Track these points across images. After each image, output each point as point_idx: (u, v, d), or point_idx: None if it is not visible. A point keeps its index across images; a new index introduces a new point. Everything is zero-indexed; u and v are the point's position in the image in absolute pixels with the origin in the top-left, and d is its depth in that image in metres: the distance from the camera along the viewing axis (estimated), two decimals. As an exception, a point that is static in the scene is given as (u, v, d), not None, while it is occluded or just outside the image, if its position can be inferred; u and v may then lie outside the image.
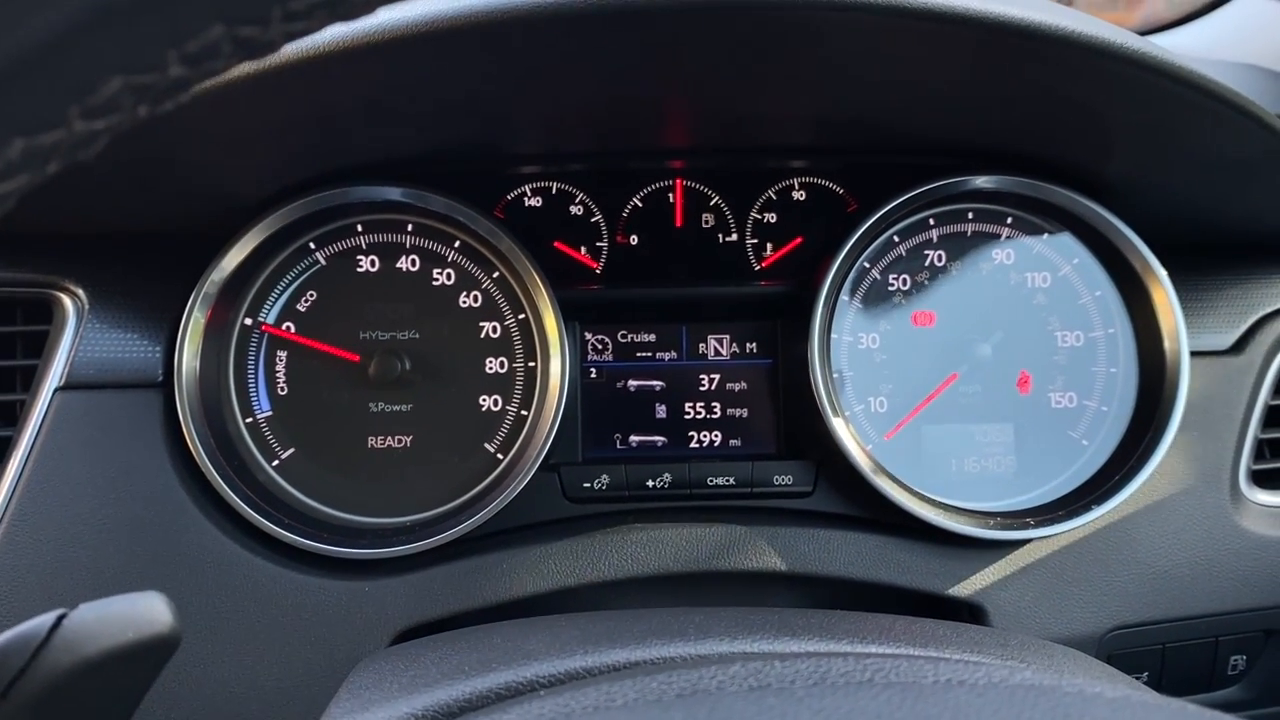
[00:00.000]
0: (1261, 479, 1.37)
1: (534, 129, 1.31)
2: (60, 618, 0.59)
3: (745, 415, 1.40)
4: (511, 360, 1.35)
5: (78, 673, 0.58)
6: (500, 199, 1.39)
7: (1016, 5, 0.94)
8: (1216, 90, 1.04)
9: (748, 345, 1.41)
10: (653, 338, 1.41)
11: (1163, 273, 1.31)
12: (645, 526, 1.28)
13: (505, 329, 1.35)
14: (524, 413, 1.34)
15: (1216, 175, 1.27)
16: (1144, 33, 2.07)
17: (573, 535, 1.27)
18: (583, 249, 1.39)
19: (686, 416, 1.40)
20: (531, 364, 1.34)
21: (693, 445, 1.39)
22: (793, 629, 0.78)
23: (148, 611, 0.61)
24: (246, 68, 0.93)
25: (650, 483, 1.33)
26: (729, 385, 1.41)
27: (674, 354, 1.41)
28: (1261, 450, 1.38)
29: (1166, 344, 1.32)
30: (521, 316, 1.35)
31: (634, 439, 1.39)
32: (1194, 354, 1.33)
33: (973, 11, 0.92)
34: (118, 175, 1.13)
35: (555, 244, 1.39)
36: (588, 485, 1.33)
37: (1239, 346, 1.38)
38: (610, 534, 1.27)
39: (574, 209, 1.40)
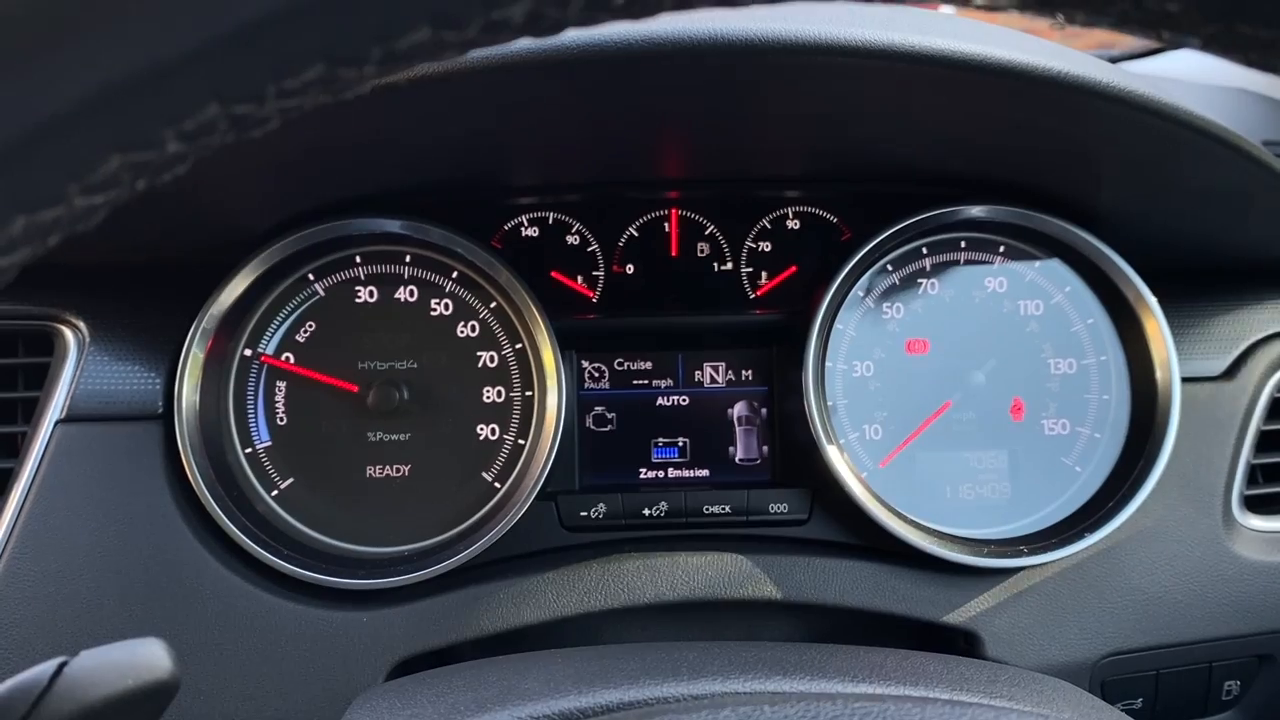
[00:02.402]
0: (1254, 504, 1.38)
1: (531, 162, 1.32)
2: (61, 665, 0.60)
3: (741, 443, 1.41)
4: (509, 389, 1.36)
5: (78, 720, 0.59)
6: (497, 229, 1.40)
7: (999, 45, 0.96)
8: (1201, 125, 1.06)
9: (743, 373, 1.42)
10: (649, 366, 1.42)
11: (1153, 301, 1.32)
12: (641, 555, 1.29)
13: (502, 358, 1.36)
14: (521, 442, 1.35)
15: (1206, 205, 1.28)
16: (1141, 53, 2.09)
17: (570, 564, 1.28)
18: (579, 278, 1.41)
19: (682, 444, 1.41)
20: (529, 393, 1.35)
21: (688, 473, 1.40)
22: (784, 667, 0.79)
23: (148, 658, 0.62)
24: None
25: (647, 511, 1.34)
26: (725, 413, 1.42)
27: (670, 382, 1.42)
28: (1254, 475, 1.39)
29: (1158, 371, 1.33)
30: (519, 346, 1.36)
31: (630, 467, 1.40)
32: (1186, 380, 1.33)
33: (955, 53, 0.93)
34: (118, 210, 1.14)
35: (552, 274, 1.40)
36: (585, 514, 1.34)
37: (1231, 372, 1.39)
38: (607, 563, 1.28)
39: (570, 239, 1.41)
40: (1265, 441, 1.39)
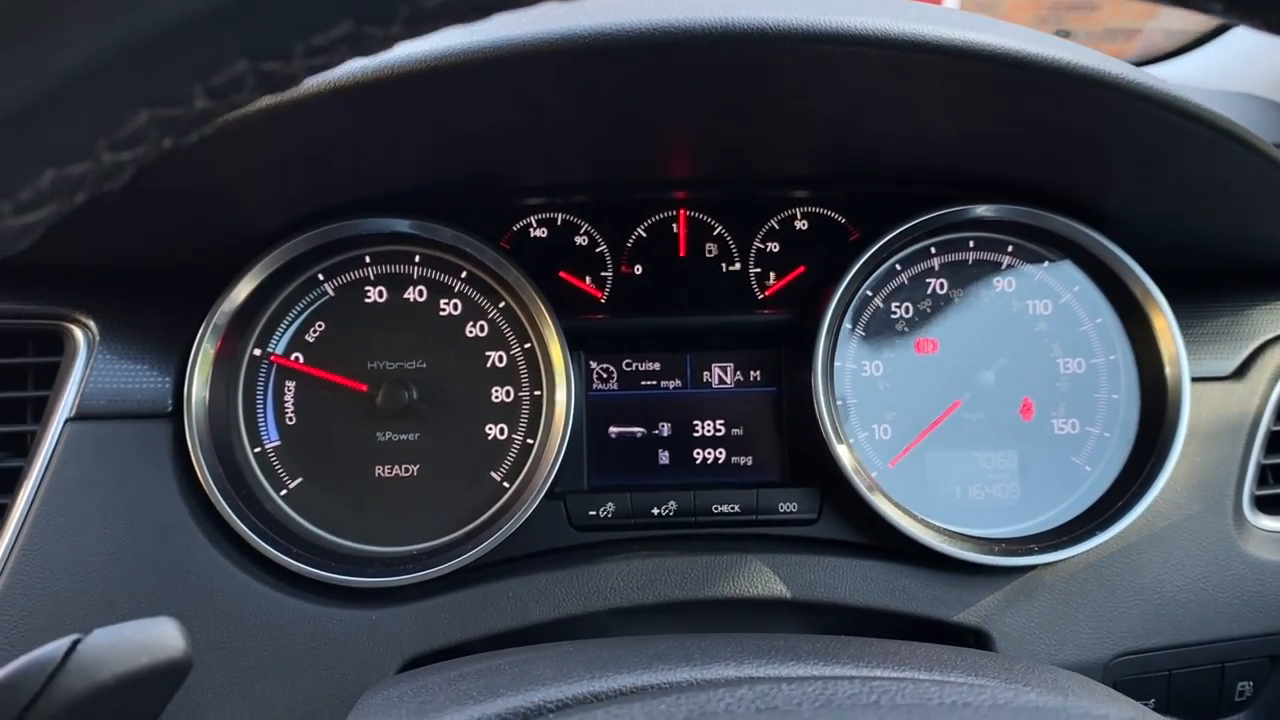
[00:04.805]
0: (1265, 504, 1.37)
1: (540, 163, 1.33)
2: (75, 642, 0.60)
3: (750, 443, 1.41)
4: (517, 389, 1.36)
5: (92, 697, 0.59)
6: (506, 230, 1.40)
7: (1012, 37, 0.96)
8: (1212, 119, 1.06)
9: (752, 373, 1.42)
10: (657, 366, 1.42)
11: (1163, 300, 1.32)
12: (650, 554, 1.29)
13: (511, 358, 1.36)
14: (530, 441, 1.35)
15: (1216, 204, 1.28)
16: (1142, 63, 2.10)
17: (578, 563, 1.27)
18: (588, 279, 1.41)
19: (691, 445, 1.41)
20: (537, 393, 1.35)
21: (698, 474, 1.40)
22: (798, 654, 0.79)
23: (161, 637, 0.62)
24: (256, 103, 0.95)
25: (656, 510, 1.34)
26: (733, 413, 1.42)
27: (678, 382, 1.42)
28: (1265, 476, 1.38)
29: (1168, 370, 1.32)
30: (527, 346, 1.36)
31: (639, 467, 1.40)
32: (1195, 380, 1.33)
33: (968, 44, 0.93)
34: (129, 209, 1.15)
35: (561, 274, 1.40)
36: (593, 513, 1.34)
37: (1240, 372, 1.39)
38: (616, 562, 1.27)
39: (579, 239, 1.41)
40: (1276, 441, 1.39)
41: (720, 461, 1.41)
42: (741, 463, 1.41)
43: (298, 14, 0.39)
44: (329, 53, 0.42)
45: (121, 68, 0.38)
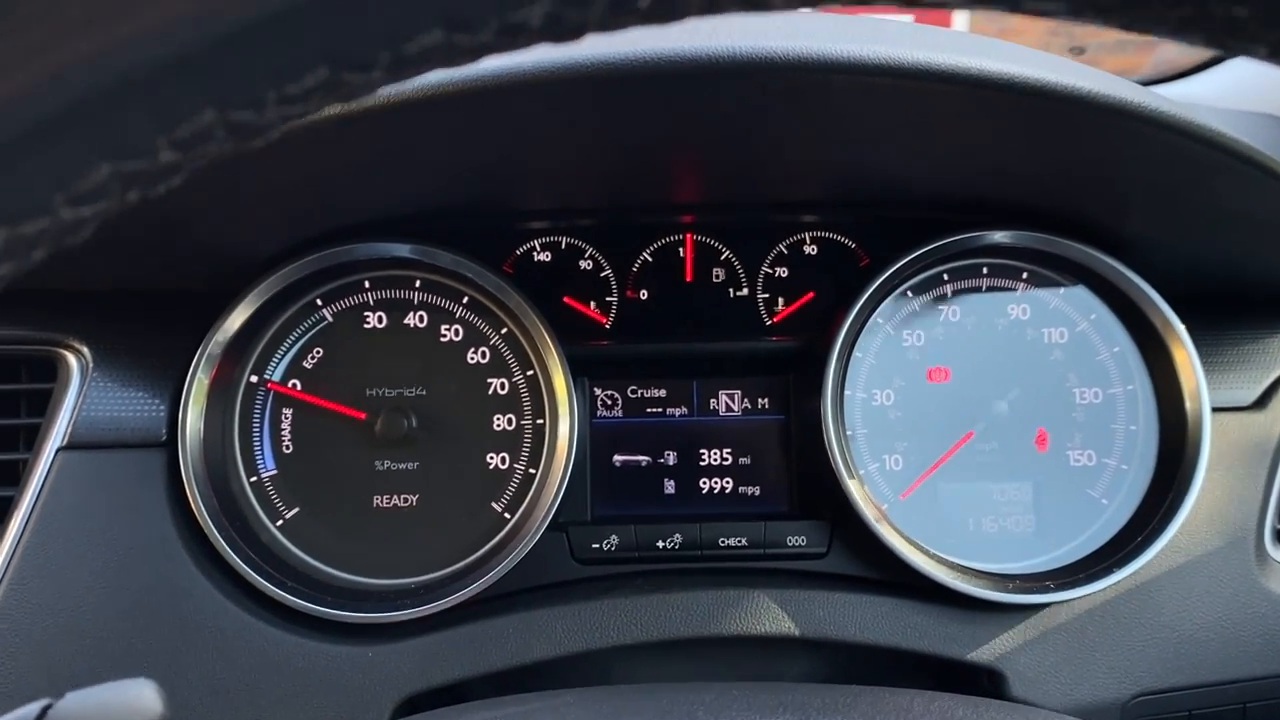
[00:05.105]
0: (1287, 539, 1.33)
1: (544, 186, 1.30)
2: (46, 708, 0.57)
3: (757, 472, 1.37)
4: (520, 417, 1.33)
5: (63, 766, 0.56)
6: (509, 254, 1.37)
7: (1030, 65, 0.93)
8: (1233, 146, 1.02)
9: (760, 401, 1.39)
10: (663, 393, 1.39)
11: (1182, 328, 1.28)
12: (655, 590, 1.25)
13: (513, 385, 1.33)
14: (532, 471, 1.32)
15: (1237, 230, 1.25)
16: (1157, 79, 2.06)
17: (581, 599, 1.24)
18: (592, 304, 1.38)
19: (697, 474, 1.37)
20: (540, 421, 1.32)
21: (704, 504, 1.37)
22: (808, 710, 0.76)
23: (136, 700, 0.59)
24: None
25: (661, 543, 1.31)
26: (740, 442, 1.38)
27: (685, 410, 1.39)
28: (1287, 509, 1.35)
29: (1187, 401, 1.29)
30: (530, 373, 1.33)
31: (643, 498, 1.37)
32: (1215, 410, 1.29)
33: (983, 73, 0.90)
34: (122, 235, 1.12)
35: (565, 299, 1.37)
36: (597, 546, 1.30)
37: (1262, 402, 1.35)
38: (620, 598, 1.24)
39: (583, 264, 1.38)
40: (1298, 474, 1.35)
41: (727, 491, 1.38)
42: (749, 493, 1.37)
43: (268, 62, 0.36)
44: (305, 101, 0.39)
45: (79, 119, 0.35)
